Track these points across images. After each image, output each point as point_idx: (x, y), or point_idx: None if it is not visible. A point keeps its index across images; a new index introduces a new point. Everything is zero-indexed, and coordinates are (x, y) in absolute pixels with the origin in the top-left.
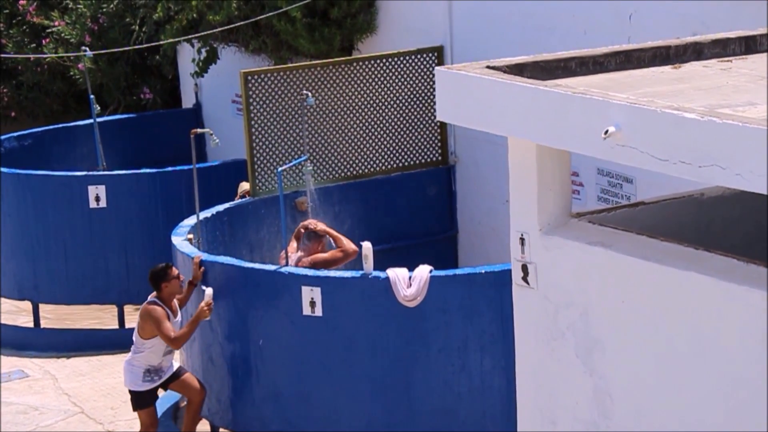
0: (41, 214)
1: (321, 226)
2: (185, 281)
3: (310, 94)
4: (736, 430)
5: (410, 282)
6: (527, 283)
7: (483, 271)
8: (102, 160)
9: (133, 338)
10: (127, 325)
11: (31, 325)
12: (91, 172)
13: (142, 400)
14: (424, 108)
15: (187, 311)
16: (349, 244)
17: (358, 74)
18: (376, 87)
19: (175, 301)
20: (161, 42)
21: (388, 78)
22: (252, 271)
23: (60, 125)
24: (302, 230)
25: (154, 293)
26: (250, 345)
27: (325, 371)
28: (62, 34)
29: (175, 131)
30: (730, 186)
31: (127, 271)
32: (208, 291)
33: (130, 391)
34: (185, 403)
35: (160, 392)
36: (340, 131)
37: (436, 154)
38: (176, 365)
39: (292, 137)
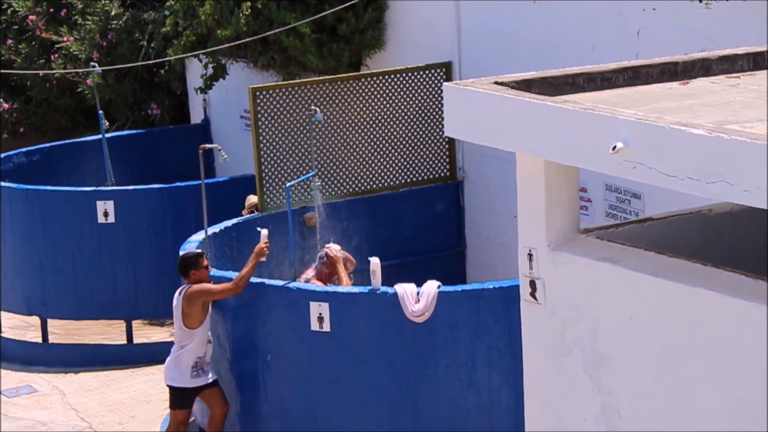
0: (49, 229)
1: (335, 253)
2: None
3: (318, 109)
4: None
5: (418, 297)
6: (535, 298)
7: (491, 287)
8: (110, 176)
9: (177, 334)
10: (135, 341)
11: (39, 340)
12: (99, 188)
13: (185, 398)
14: (432, 123)
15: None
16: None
17: (366, 90)
18: (384, 102)
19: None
20: (169, 58)
21: (396, 93)
22: (260, 287)
23: (68, 141)
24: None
25: (184, 284)
26: (258, 360)
27: (333, 387)
28: (71, 50)
29: (184, 147)
30: (738, 202)
31: (136, 286)
32: (264, 231)
33: (173, 389)
34: (192, 418)
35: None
36: (349, 147)
37: (444, 170)
38: (211, 377)
39: (300, 153)
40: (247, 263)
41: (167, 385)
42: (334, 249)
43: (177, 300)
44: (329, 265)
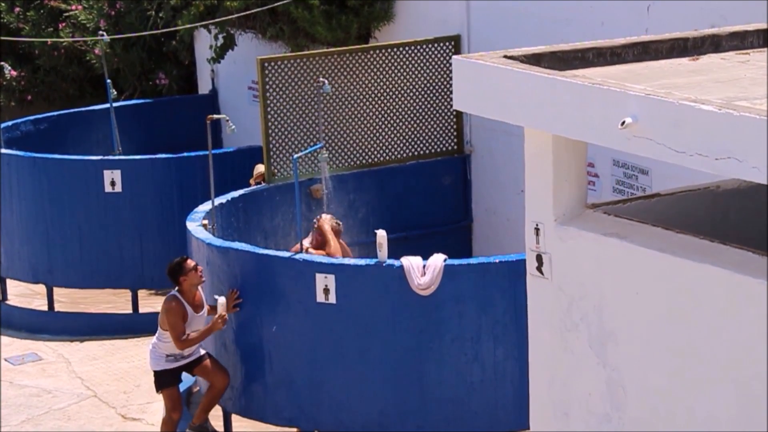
0: (56, 198)
1: (323, 223)
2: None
3: (326, 81)
4: (749, 422)
5: (424, 271)
6: (541, 273)
7: (497, 261)
8: (118, 145)
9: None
10: (141, 310)
11: (45, 308)
12: (106, 157)
13: (163, 379)
14: (440, 97)
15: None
16: (333, 252)
17: (374, 62)
18: (393, 75)
19: (200, 292)
20: (178, 27)
21: (404, 66)
22: (266, 258)
23: (76, 110)
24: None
25: (176, 288)
26: (264, 332)
27: (338, 359)
28: (79, 19)
29: (191, 117)
30: (746, 179)
31: (142, 255)
32: (221, 300)
33: (154, 372)
34: (197, 388)
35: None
36: (356, 119)
37: (452, 144)
38: (202, 351)
39: (307, 124)
40: (200, 332)
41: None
42: (324, 217)
43: None
44: (319, 233)
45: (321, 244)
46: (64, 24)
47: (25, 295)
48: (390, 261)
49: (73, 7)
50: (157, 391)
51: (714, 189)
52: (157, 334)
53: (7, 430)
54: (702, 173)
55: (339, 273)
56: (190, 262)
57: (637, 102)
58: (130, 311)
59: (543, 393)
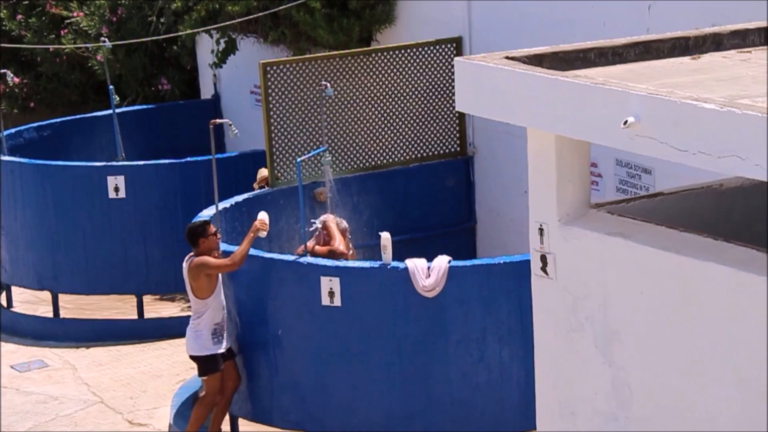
0: (60, 204)
1: (328, 221)
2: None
3: (328, 84)
4: (754, 421)
5: (429, 272)
6: (546, 273)
7: (501, 262)
8: (121, 151)
9: (192, 305)
10: (146, 315)
11: (50, 315)
12: (110, 163)
13: (211, 364)
14: (442, 99)
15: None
16: (338, 246)
17: (376, 65)
18: (395, 78)
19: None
20: (180, 33)
21: (406, 69)
22: (271, 261)
23: (79, 116)
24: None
25: (191, 253)
26: (269, 334)
27: (344, 361)
28: (81, 25)
29: (194, 122)
30: (749, 176)
31: (146, 261)
32: (262, 213)
33: (198, 358)
34: (204, 393)
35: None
36: (359, 122)
37: (455, 145)
38: (229, 344)
39: (310, 128)
40: (244, 239)
41: (191, 357)
42: (329, 217)
43: (184, 271)
44: (325, 231)
45: (327, 242)
46: (66, 31)
47: (30, 302)
48: (394, 263)
49: (75, 14)
50: (202, 375)
51: (717, 187)
52: (193, 316)
53: None
54: (705, 172)
55: (344, 276)
56: (212, 227)
57: (640, 101)
58: (136, 317)
59: (549, 393)
